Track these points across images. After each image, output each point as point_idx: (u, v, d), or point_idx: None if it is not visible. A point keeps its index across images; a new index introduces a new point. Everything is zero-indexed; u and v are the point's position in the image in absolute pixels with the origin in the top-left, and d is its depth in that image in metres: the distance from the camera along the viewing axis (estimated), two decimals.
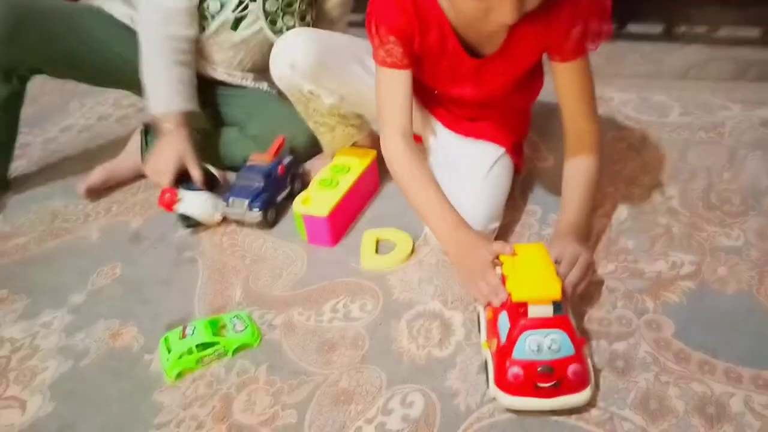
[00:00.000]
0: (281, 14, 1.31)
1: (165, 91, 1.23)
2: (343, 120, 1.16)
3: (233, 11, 1.27)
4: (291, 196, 1.18)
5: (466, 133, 1.10)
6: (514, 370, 0.72)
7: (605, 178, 1.13)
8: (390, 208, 1.18)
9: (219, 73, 1.36)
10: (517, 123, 1.16)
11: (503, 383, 0.74)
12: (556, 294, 0.73)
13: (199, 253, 1.13)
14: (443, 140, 1.11)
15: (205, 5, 1.27)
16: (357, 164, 1.17)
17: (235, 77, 1.37)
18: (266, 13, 1.29)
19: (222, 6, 1.27)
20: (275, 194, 1.19)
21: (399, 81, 0.95)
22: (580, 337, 0.75)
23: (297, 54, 1.02)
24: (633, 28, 1.85)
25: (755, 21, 1.75)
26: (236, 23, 1.29)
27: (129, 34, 1.28)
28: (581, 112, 0.99)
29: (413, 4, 0.90)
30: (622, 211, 1.09)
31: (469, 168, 1.05)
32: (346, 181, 1.13)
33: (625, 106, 1.42)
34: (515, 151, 1.13)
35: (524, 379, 0.72)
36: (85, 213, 1.29)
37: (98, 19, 1.32)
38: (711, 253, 0.98)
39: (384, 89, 0.96)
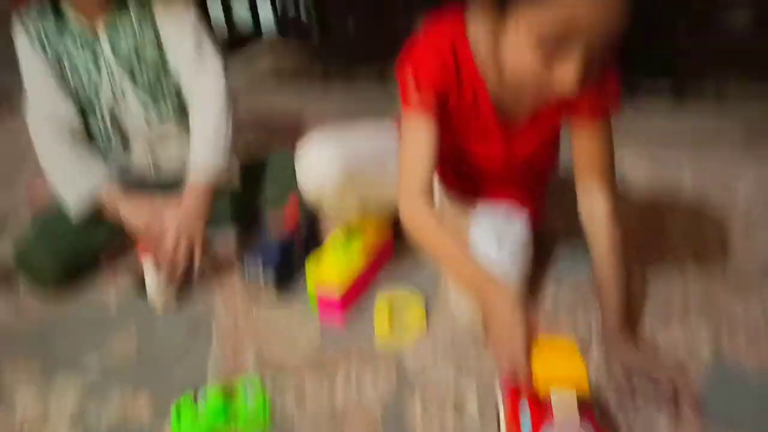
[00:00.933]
0: (159, 89, 1.30)
1: (92, 173, 1.25)
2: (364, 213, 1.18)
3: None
4: (307, 256, 1.20)
5: (492, 196, 1.10)
6: None
7: None
8: (402, 266, 1.19)
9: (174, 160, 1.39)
10: (538, 190, 1.17)
11: None
12: (584, 386, 0.69)
13: (214, 317, 1.14)
14: (467, 219, 1.10)
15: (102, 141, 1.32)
16: (372, 229, 1.18)
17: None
18: (147, 95, 1.29)
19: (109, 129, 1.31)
20: (291, 260, 1.20)
21: (427, 129, 0.91)
22: None
23: (325, 176, 1.02)
24: (642, 94, 1.88)
25: (763, 92, 1.77)
26: (125, 143, 1.33)
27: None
28: (596, 173, 0.96)
29: (455, 61, 0.91)
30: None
31: (498, 245, 1.01)
32: (361, 253, 1.13)
33: (637, 172, 1.43)
34: (537, 218, 1.13)
35: None
36: (104, 276, 1.31)
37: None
38: (729, 323, 0.97)
39: (410, 139, 0.92)
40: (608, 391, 0.87)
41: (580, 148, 0.97)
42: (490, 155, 1.03)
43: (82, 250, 1.28)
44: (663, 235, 1.20)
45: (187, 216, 1.19)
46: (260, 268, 1.15)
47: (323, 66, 2.45)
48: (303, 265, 1.19)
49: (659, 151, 1.52)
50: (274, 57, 2.56)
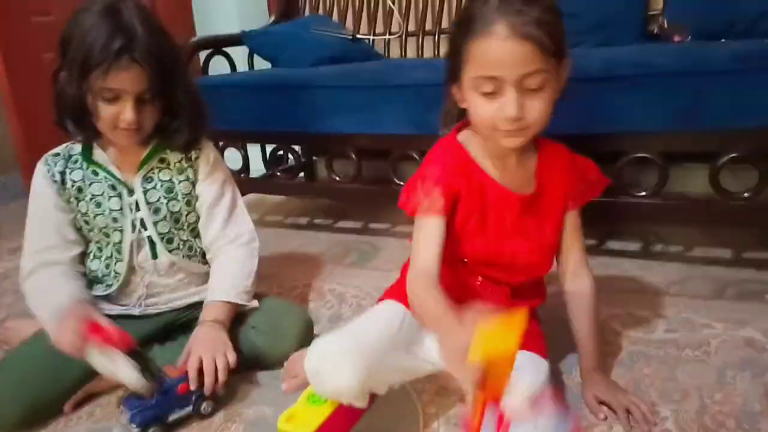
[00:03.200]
0: (175, 233, 1.35)
1: (64, 292, 1.24)
2: None
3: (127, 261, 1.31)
4: (199, 416, 1.18)
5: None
6: None
7: None
8: (380, 422, 1.15)
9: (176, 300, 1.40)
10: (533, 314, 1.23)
11: None
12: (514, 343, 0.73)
13: None
14: None
15: (91, 268, 1.34)
16: None
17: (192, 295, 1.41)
18: (166, 226, 1.33)
19: (108, 263, 1.33)
20: (166, 412, 1.15)
21: (435, 227, 1.05)
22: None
23: (343, 384, 0.98)
24: (612, 244, 1.97)
25: (726, 243, 1.87)
26: (126, 273, 1.33)
27: None
28: (580, 254, 1.21)
29: (462, 168, 1.08)
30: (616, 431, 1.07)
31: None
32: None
33: (612, 321, 1.46)
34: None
35: None
36: (68, 417, 1.25)
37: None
38: None
39: (420, 237, 1.05)
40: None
41: (565, 233, 1.18)
42: (515, 248, 1.13)
43: (48, 397, 1.22)
44: (641, 383, 1.20)
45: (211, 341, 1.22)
46: (128, 414, 1.11)
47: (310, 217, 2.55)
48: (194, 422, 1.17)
49: (631, 300, 1.56)
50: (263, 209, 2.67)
